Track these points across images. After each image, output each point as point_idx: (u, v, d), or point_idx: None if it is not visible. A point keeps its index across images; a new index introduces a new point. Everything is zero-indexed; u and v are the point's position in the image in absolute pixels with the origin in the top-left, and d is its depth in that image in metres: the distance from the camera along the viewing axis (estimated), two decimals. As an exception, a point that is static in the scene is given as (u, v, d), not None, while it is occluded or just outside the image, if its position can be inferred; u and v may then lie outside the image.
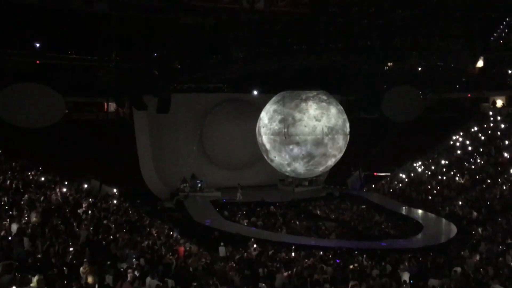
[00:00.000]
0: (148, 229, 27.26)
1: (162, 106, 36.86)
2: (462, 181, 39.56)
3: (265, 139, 41.99)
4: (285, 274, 19.68)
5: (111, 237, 21.11)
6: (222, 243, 26.77)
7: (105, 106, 48.48)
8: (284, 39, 41.34)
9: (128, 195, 36.85)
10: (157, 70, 38.33)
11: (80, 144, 40.17)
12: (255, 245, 27.26)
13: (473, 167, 41.06)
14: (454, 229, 32.21)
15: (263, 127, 42.03)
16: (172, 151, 48.48)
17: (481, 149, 42.75)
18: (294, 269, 20.59)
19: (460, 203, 36.09)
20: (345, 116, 41.82)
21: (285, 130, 39.48)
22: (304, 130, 39.87)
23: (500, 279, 18.59)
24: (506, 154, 39.65)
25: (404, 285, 18.63)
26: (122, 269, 16.90)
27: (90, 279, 14.04)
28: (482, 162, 41.03)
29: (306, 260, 22.98)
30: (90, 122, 45.57)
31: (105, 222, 24.03)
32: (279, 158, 41.95)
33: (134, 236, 23.49)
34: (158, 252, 21.79)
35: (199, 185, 44.61)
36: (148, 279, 16.02)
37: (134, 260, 18.62)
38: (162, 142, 48.07)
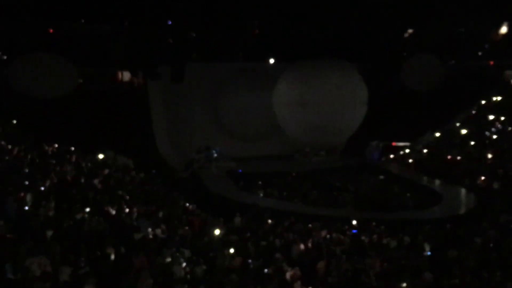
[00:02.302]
0: (163, 200, 27.08)
1: (177, 75, 36.41)
2: (484, 153, 38.78)
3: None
4: (302, 245, 19.37)
5: (127, 208, 20.95)
6: (238, 214, 26.50)
7: (119, 76, 48.00)
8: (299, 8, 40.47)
9: (143, 166, 36.60)
10: (171, 38, 37.79)
11: (94, 114, 39.85)
12: (271, 216, 26.97)
13: (494, 137, 40.27)
14: (474, 200, 31.67)
15: None
16: (187, 122, 48.09)
17: (502, 118, 41.88)
18: (311, 240, 20.28)
19: (481, 175, 35.40)
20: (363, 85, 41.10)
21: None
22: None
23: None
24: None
25: (424, 257, 18.30)
26: (137, 240, 16.76)
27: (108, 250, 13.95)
28: (504, 132, 40.22)
29: (323, 231, 22.65)
30: (104, 92, 45.15)
31: (120, 193, 23.88)
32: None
33: (150, 207, 23.34)
34: (174, 222, 21.61)
35: (215, 155, 44.27)
36: (165, 250, 15.87)
37: (150, 230, 18.48)
38: (176, 112, 47.64)
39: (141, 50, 38.21)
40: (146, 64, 38.34)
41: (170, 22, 41.63)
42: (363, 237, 22.01)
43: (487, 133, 41.39)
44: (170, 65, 36.63)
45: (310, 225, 24.60)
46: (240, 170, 42.76)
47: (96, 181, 24.08)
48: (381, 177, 40.74)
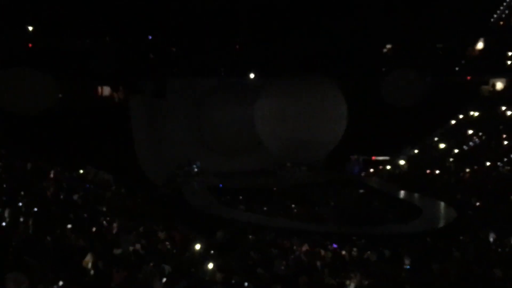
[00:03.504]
0: (144, 215, 26.89)
1: (158, 90, 36.41)
2: (463, 167, 39.23)
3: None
4: (283, 259, 19.37)
5: (106, 223, 20.80)
6: (219, 229, 26.41)
7: (100, 91, 47.80)
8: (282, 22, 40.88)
9: (123, 181, 36.37)
10: (152, 53, 37.85)
11: (74, 130, 39.57)
12: (253, 231, 26.93)
13: (472, 152, 40.76)
14: (453, 214, 31.94)
15: None
16: (168, 137, 47.99)
17: (480, 134, 42.43)
18: (292, 255, 20.29)
19: (460, 189, 35.77)
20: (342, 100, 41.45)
21: None
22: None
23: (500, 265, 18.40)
24: (505, 141, 39.40)
25: (404, 270, 18.40)
26: (117, 255, 16.64)
27: (87, 263, 13.85)
28: (482, 147, 40.75)
29: (304, 246, 22.68)
30: (84, 107, 44.85)
31: (100, 208, 23.71)
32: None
33: (130, 222, 23.17)
34: (155, 238, 21.48)
35: (196, 170, 44.22)
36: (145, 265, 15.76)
37: (130, 246, 18.33)
38: (157, 127, 47.53)
39: (122, 65, 38.14)
40: (127, 79, 38.27)
41: (150, 37, 41.71)
42: (343, 252, 22.08)
43: (465, 147, 41.86)
44: (152, 80, 36.60)
45: (291, 240, 24.62)
46: (221, 185, 42.70)
47: (76, 197, 23.87)
48: (361, 191, 40.95)
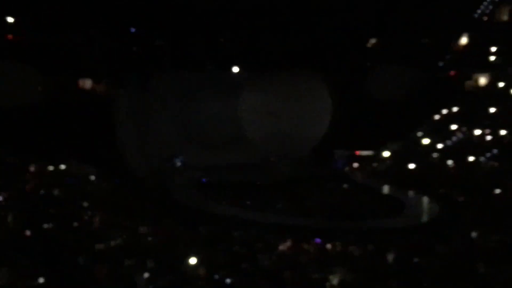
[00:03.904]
0: (127, 210, 26.69)
1: (142, 84, 36.08)
2: (446, 162, 39.44)
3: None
4: (268, 254, 19.30)
5: (89, 218, 20.61)
6: (203, 223, 26.27)
7: (82, 84, 47.27)
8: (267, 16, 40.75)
9: (106, 175, 36.06)
10: (136, 47, 37.50)
11: (56, 124, 39.10)
12: (237, 226, 26.80)
13: (456, 146, 40.97)
14: (437, 209, 32.04)
15: None
16: (152, 130, 47.58)
17: (464, 129, 42.64)
18: (277, 250, 20.24)
19: (443, 184, 35.93)
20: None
21: None
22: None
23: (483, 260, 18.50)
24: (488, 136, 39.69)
25: (388, 265, 18.41)
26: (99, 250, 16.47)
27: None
28: (465, 142, 40.99)
29: (289, 240, 22.60)
30: (66, 101, 44.36)
31: (82, 203, 23.48)
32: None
33: (113, 216, 22.99)
34: (138, 232, 21.33)
35: (179, 164, 43.96)
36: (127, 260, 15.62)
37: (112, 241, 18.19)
38: (142, 121, 47.10)
39: (105, 58, 37.74)
40: (110, 72, 37.88)
41: (133, 30, 41.28)
42: (328, 246, 22.05)
43: (448, 142, 42.04)
44: (135, 73, 36.26)
45: (276, 234, 24.53)
46: (205, 180, 42.46)
47: (57, 192, 23.61)
48: (345, 186, 40.95)
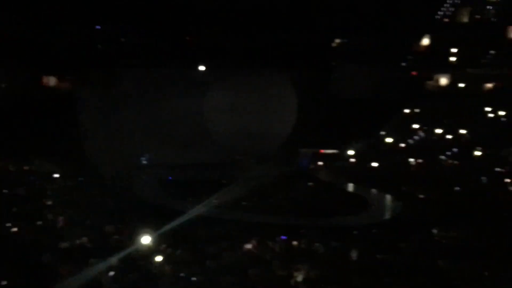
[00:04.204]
0: (91, 208, 26.51)
1: (107, 81, 35.77)
2: (408, 161, 40.09)
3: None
4: (233, 251, 19.44)
5: (53, 216, 20.43)
6: (169, 222, 26.23)
7: (47, 81, 46.59)
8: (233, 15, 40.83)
9: (70, 173, 35.67)
10: (101, 44, 37.15)
11: (19, 120, 38.51)
12: (203, 224, 26.84)
13: (418, 145, 41.71)
14: (399, 206, 32.58)
15: None
16: (118, 128, 47.17)
17: (425, 128, 43.43)
18: (243, 247, 20.39)
19: (405, 182, 36.55)
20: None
21: None
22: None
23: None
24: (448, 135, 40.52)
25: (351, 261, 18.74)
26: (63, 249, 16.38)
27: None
28: (426, 141, 41.78)
29: (254, 238, 22.79)
30: (30, 97, 43.70)
31: (45, 201, 23.24)
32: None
33: (78, 215, 22.83)
34: (104, 230, 21.24)
35: (144, 162, 43.71)
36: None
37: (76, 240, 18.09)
38: (107, 118, 46.64)
39: (70, 55, 37.29)
40: (75, 69, 37.45)
41: (99, 27, 40.90)
42: (293, 243, 22.30)
43: (410, 141, 42.78)
44: (100, 71, 35.93)
45: (242, 232, 24.68)
46: (170, 177, 42.31)
47: (20, 190, 23.33)
48: (310, 184, 41.30)
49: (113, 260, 16.42)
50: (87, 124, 44.89)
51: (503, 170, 33.59)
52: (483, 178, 33.29)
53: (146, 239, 19.59)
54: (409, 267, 18.40)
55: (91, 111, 45.45)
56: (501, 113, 39.76)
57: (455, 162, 36.97)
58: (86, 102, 44.94)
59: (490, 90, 44.34)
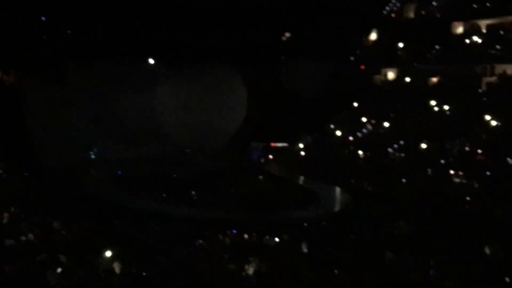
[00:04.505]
0: (38, 204, 25.99)
1: (54, 75, 35.04)
2: (357, 154, 40.75)
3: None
4: (184, 247, 19.42)
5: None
6: (118, 217, 25.97)
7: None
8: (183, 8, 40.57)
9: (15, 168, 34.83)
10: (48, 36, 36.30)
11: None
12: (153, 220, 26.69)
13: (366, 139, 42.45)
14: (349, 199, 33.14)
15: None
16: (65, 123, 46.29)
17: (373, 121, 44.19)
18: (194, 242, 20.38)
19: (354, 175, 37.17)
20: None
21: None
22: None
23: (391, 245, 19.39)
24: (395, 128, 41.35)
25: (302, 254, 18.94)
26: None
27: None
28: (375, 134, 42.54)
29: (205, 232, 22.82)
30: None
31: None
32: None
33: (23, 211, 22.35)
34: (51, 226, 20.85)
35: (94, 157, 43.14)
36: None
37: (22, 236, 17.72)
38: (54, 113, 45.70)
39: (15, 47, 36.29)
40: (21, 62, 36.46)
41: (44, 19, 39.92)
42: (243, 237, 22.43)
43: (359, 134, 43.51)
44: (47, 64, 35.11)
45: (192, 228, 24.65)
46: (120, 172, 41.89)
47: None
48: (261, 177, 41.58)
49: (61, 256, 16.12)
50: (34, 118, 43.92)
51: (448, 162, 34.48)
52: (429, 170, 34.11)
53: (95, 235, 19.35)
54: (358, 259, 18.73)
55: (37, 105, 44.45)
56: (446, 107, 40.78)
57: (402, 154, 37.76)
58: (33, 96, 43.92)
59: (435, 84, 45.41)
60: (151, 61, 49.09)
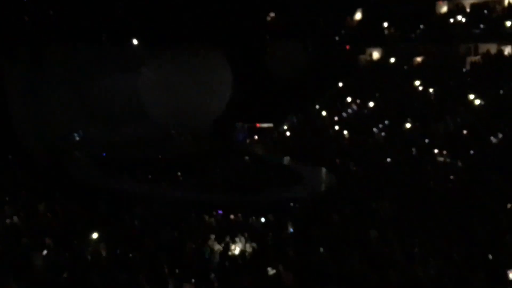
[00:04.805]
0: (23, 186, 25.87)
1: (35, 57, 34.60)
2: (342, 134, 40.83)
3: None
4: (170, 228, 19.47)
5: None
6: (103, 199, 25.90)
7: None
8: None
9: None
10: (29, 17, 35.77)
11: None
12: (138, 202, 26.67)
13: (351, 119, 42.57)
14: (334, 180, 33.24)
15: None
16: (48, 105, 45.83)
17: (358, 101, 44.27)
18: (179, 223, 20.43)
19: (339, 155, 37.24)
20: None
21: None
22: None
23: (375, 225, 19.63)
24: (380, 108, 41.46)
25: (287, 235, 19.10)
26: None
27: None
28: (359, 114, 42.65)
29: (191, 213, 22.88)
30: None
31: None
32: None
33: (7, 195, 22.27)
34: (34, 210, 20.78)
35: (77, 139, 42.86)
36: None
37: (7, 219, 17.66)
38: (36, 95, 45.23)
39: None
40: (0, 43, 35.97)
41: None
42: (229, 217, 22.54)
43: (344, 114, 43.58)
44: (27, 45, 34.64)
45: (177, 209, 24.68)
46: (104, 154, 41.67)
47: None
48: (246, 158, 41.60)
49: (46, 239, 16.11)
50: (16, 101, 43.50)
51: (431, 141, 34.67)
52: (413, 150, 34.31)
53: (80, 218, 19.33)
54: (343, 238, 18.91)
55: (19, 87, 44.00)
56: (430, 86, 40.94)
57: (387, 134, 37.92)
58: (13, 78, 43.43)
59: (419, 64, 45.55)
60: (135, 41, 48.66)
